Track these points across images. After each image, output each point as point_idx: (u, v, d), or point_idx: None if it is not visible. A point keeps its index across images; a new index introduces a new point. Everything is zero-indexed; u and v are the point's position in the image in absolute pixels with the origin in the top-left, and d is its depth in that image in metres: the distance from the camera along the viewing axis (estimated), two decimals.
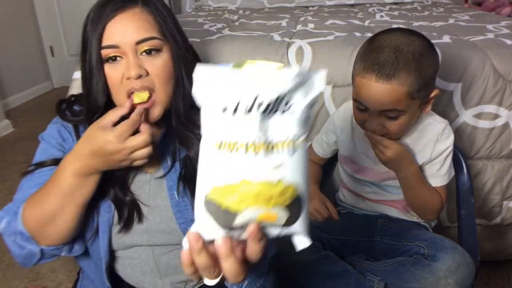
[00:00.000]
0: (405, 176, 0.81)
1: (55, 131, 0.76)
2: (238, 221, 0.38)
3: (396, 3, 2.31)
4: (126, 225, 0.73)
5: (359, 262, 0.81)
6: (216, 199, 0.38)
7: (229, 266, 0.40)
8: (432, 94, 0.78)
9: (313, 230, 0.84)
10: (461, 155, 0.91)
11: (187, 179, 0.71)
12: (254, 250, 0.41)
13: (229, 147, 0.37)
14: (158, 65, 0.67)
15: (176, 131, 0.72)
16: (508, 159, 1.11)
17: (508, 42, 1.11)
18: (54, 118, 0.80)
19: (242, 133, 0.36)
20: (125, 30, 0.65)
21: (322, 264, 0.77)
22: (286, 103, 0.37)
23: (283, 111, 0.37)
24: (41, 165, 0.72)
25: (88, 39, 0.65)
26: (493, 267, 1.31)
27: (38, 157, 0.75)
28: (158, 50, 0.67)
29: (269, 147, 0.37)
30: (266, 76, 0.36)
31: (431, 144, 0.83)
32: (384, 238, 0.87)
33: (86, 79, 0.68)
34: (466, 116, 1.05)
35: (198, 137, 0.68)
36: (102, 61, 0.66)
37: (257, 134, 0.36)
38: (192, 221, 0.71)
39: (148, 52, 0.66)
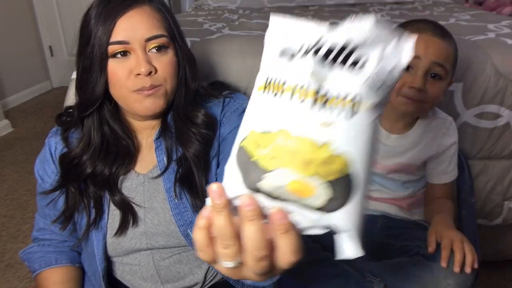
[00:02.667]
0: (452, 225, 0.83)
1: (46, 153, 0.77)
2: (265, 182, 0.30)
3: (397, 3, 2.30)
4: (121, 228, 0.72)
5: (359, 262, 0.80)
6: (248, 147, 0.32)
7: (252, 234, 0.29)
8: (453, 79, 0.83)
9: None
10: (462, 155, 0.91)
11: (184, 180, 0.71)
12: (282, 244, 0.30)
13: (275, 89, 0.31)
14: (166, 62, 0.68)
15: (176, 128, 0.72)
16: (509, 159, 1.10)
17: (509, 41, 1.11)
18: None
19: (292, 75, 0.31)
20: (136, 27, 0.65)
21: (321, 265, 0.77)
22: (357, 58, 0.30)
23: (351, 66, 0.30)
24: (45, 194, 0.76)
25: (92, 32, 0.65)
26: (494, 268, 1.30)
27: (38, 194, 0.79)
28: (165, 47, 0.68)
29: (321, 99, 0.30)
30: (342, 24, 0.30)
31: (438, 137, 0.84)
32: (384, 239, 0.86)
33: (85, 72, 0.67)
34: (467, 116, 1.04)
35: (196, 137, 0.70)
36: (107, 55, 0.65)
37: (307, 79, 0.30)
38: (192, 223, 0.70)
39: (158, 49, 0.67)
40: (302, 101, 0.30)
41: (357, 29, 0.30)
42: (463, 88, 1.02)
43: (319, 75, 0.30)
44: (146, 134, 0.76)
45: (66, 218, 0.74)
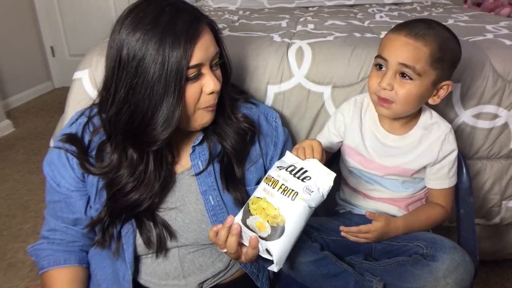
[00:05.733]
0: (402, 233, 0.84)
1: (58, 162, 0.75)
2: (249, 220, 0.64)
3: (395, 4, 2.31)
4: (161, 249, 0.74)
5: (358, 262, 0.81)
6: (249, 203, 0.66)
7: (231, 242, 0.64)
8: (445, 83, 0.80)
9: (311, 232, 0.84)
10: (460, 155, 0.91)
11: (227, 175, 0.75)
12: (249, 252, 0.64)
13: (268, 180, 0.66)
14: (220, 74, 0.71)
15: (215, 127, 0.76)
16: (507, 159, 1.11)
17: (507, 42, 1.11)
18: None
19: (275, 175, 0.66)
20: (207, 48, 0.66)
21: (321, 264, 0.78)
22: (305, 175, 0.65)
23: (302, 179, 0.65)
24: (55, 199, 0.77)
25: (164, 59, 0.61)
26: (492, 267, 1.31)
27: (49, 196, 0.78)
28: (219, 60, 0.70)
29: (283, 188, 0.64)
30: (315, 167, 0.66)
31: (438, 143, 0.84)
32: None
33: (160, 101, 0.63)
34: (465, 116, 1.05)
35: (233, 128, 0.76)
36: (186, 79, 0.64)
37: (279, 179, 0.66)
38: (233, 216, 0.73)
39: (216, 64, 0.69)
40: (274, 187, 0.65)
41: (312, 165, 0.66)
42: (461, 89, 1.03)
43: (288, 179, 0.65)
44: (183, 137, 0.78)
45: (93, 225, 0.75)
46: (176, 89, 0.63)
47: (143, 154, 0.69)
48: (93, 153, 0.73)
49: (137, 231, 0.73)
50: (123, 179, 0.69)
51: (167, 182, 0.74)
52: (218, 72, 0.71)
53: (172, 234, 0.74)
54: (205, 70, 0.67)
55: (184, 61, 0.62)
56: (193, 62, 0.64)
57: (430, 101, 0.82)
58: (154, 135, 0.65)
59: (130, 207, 0.70)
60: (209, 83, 0.67)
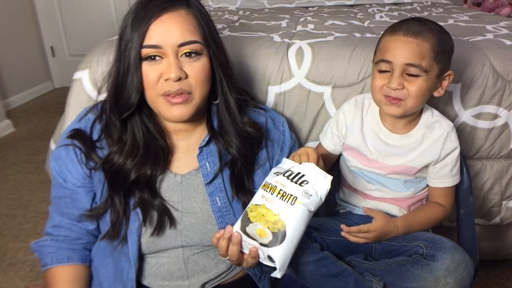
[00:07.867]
0: (402, 233, 0.84)
1: (66, 157, 0.75)
2: (249, 228, 0.64)
3: (395, 4, 2.31)
4: (158, 229, 0.73)
5: (358, 262, 0.81)
6: (248, 211, 0.66)
7: (233, 251, 0.64)
8: (447, 73, 0.82)
9: (311, 233, 0.84)
10: (461, 154, 0.91)
11: (236, 180, 0.76)
12: (249, 261, 0.65)
13: (266, 187, 0.66)
14: (197, 68, 0.68)
15: (221, 131, 0.76)
16: (507, 159, 1.11)
17: (507, 42, 1.12)
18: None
19: (273, 181, 0.66)
20: (170, 31, 0.65)
21: (321, 264, 0.78)
22: (303, 180, 0.65)
23: (300, 184, 0.65)
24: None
25: (129, 37, 0.66)
26: (492, 267, 1.32)
27: (55, 192, 0.78)
28: (198, 53, 0.68)
29: (281, 193, 0.64)
30: (312, 171, 0.67)
31: (441, 141, 0.85)
32: None
33: (122, 76, 0.68)
34: (466, 116, 1.05)
35: (236, 130, 0.75)
36: (141, 59, 0.66)
37: (277, 184, 0.65)
38: (232, 225, 0.74)
39: (188, 54, 0.67)
40: (272, 193, 0.65)
41: (309, 169, 0.66)
42: (461, 89, 1.03)
43: (287, 184, 0.65)
44: (182, 136, 0.78)
45: (96, 216, 0.75)
46: (135, 66, 0.66)
47: (125, 123, 0.72)
48: (103, 150, 0.74)
49: (142, 223, 0.73)
50: (114, 154, 0.72)
51: (153, 148, 0.73)
52: (196, 64, 0.68)
53: (172, 221, 0.74)
54: (167, 56, 0.66)
55: (139, 40, 0.65)
56: (147, 42, 0.64)
57: (436, 94, 0.83)
58: (124, 103, 0.69)
59: (123, 177, 0.71)
60: (166, 70, 0.66)
